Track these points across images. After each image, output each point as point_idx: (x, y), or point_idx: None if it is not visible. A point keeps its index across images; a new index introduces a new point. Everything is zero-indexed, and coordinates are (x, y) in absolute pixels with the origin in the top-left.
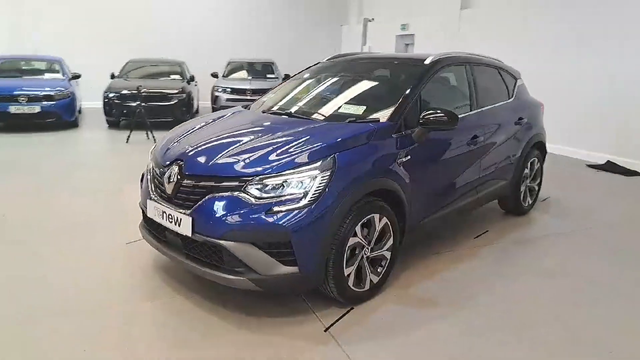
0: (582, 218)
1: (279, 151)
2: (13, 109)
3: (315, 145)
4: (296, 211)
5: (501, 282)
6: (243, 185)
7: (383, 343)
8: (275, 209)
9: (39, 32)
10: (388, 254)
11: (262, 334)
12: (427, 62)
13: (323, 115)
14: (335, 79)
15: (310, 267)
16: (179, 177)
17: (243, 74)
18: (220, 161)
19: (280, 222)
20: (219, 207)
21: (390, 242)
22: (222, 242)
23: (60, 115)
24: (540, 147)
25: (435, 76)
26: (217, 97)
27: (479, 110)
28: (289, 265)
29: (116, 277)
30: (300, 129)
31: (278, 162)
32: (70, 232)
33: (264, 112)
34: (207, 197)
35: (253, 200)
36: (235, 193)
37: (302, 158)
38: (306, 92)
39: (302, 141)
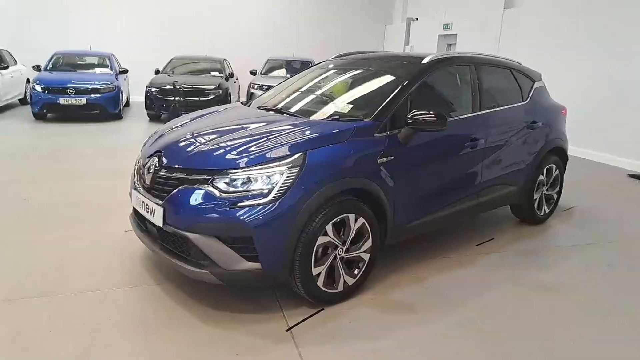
0: (605, 230)
1: (250, 146)
2: (62, 100)
3: (287, 141)
4: (259, 207)
5: (489, 292)
6: (211, 179)
7: (342, 347)
8: (240, 203)
9: (96, 28)
10: (366, 256)
11: (223, 329)
12: (424, 61)
13: (311, 112)
14: (333, 77)
15: (273, 264)
16: (156, 167)
17: (281, 72)
18: (193, 154)
19: (242, 217)
20: (187, 199)
21: (369, 243)
22: (187, 234)
23: (105, 107)
24: (559, 153)
25: (432, 76)
26: (252, 93)
27: (482, 112)
28: (252, 261)
29: (103, 263)
30: (280, 125)
31: (246, 157)
32: (80, 218)
33: (258, 107)
34: (177, 188)
35: (219, 194)
36: (203, 186)
37: (270, 154)
38: (303, 89)
39: (276, 137)
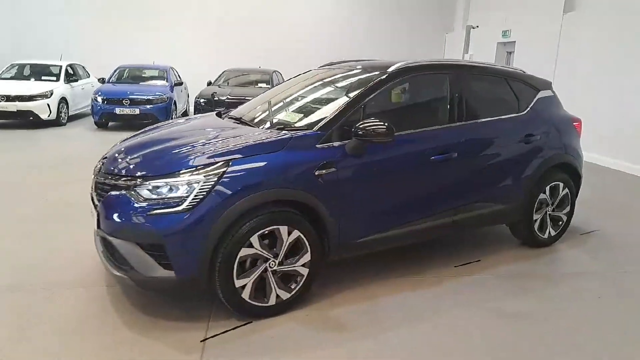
0: (624, 258)
1: (174, 155)
2: (118, 110)
3: (211, 150)
4: (173, 215)
5: (438, 317)
6: (133, 185)
7: None
8: (156, 211)
9: (163, 43)
10: (304, 270)
11: (142, 334)
12: (389, 70)
13: (265, 122)
14: (303, 87)
15: (187, 273)
16: (96, 173)
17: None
18: (126, 160)
19: (155, 225)
20: (113, 204)
21: (307, 257)
22: (111, 238)
23: (156, 116)
24: (567, 170)
25: (396, 85)
26: None
27: (456, 124)
28: (167, 269)
29: (70, 261)
30: (220, 134)
31: (167, 165)
32: (74, 218)
33: (229, 117)
34: (108, 194)
35: (140, 200)
36: (127, 192)
37: (189, 162)
38: (275, 99)
39: (204, 146)
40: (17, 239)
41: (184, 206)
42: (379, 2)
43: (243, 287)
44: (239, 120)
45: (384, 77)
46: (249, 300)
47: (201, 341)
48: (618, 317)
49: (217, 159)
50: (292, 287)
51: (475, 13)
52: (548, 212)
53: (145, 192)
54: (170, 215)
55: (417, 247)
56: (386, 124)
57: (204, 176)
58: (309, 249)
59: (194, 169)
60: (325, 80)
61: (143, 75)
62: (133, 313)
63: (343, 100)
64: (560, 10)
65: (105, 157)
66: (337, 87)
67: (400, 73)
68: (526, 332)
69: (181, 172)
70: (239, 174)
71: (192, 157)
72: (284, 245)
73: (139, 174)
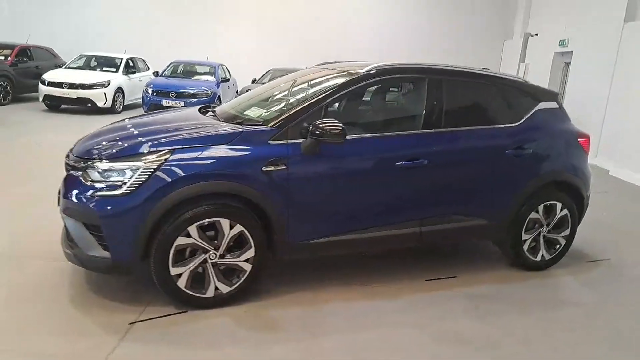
0: (626, 293)
1: (126, 141)
2: (165, 102)
3: (157, 139)
4: (111, 198)
5: (385, 330)
6: (85, 167)
7: (162, 352)
8: (98, 193)
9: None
10: (247, 266)
11: (80, 310)
12: (360, 72)
13: (233, 117)
14: (285, 85)
15: (122, 256)
16: (67, 154)
17: None
18: (88, 144)
19: (94, 206)
20: (68, 184)
21: (251, 253)
22: (63, 216)
23: None
24: (567, 189)
25: (366, 88)
26: None
27: (432, 130)
28: (105, 250)
29: (44, 236)
30: (181, 125)
31: (115, 150)
32: None
33: (210, 112)
34: (67, 174)
35: (88, 181)
36: (79, 173)
37: (134, 149)
38: (254, 95)
39: (156, 135)
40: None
41: (122, 190)
42: (437, 5)
43: (179, 275)
44: (213, 114)
45: (353, 78)
46: (184, 289)
47: (130, 323)
48: (581, 356)
49: (161, 148)
50: (234, 281)
51: (535, 19)
52: (542, 234)
53: (95, 175)
54: (109, 198)
55: (395, 255)
56: (340, 124)
57: (144, 162)
58: (252, 245)
59: (136, 155)
60: (305, 80)
61: (194, 70)
62: (83, 290)
63: (305, 99)
64: (621, 18)
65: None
66: (310, 86)
67: (371, 75)
68: (465, 358)
69: (124, 157)
70: (179, 163)
71: (138, 145)
72: (225, 238)
73: (90, 156)
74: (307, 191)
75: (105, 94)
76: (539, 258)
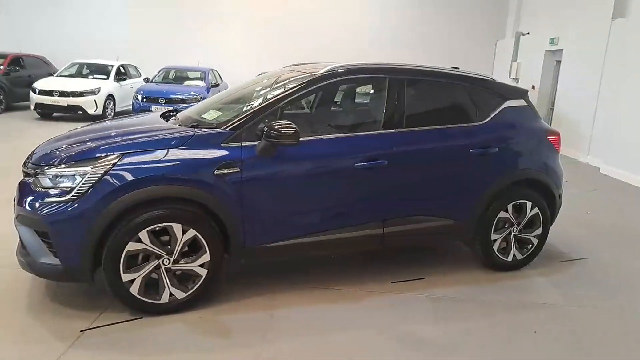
0: (598, 293)
1: (75, 147)
2: (154, 108)
3: (106, 144)
4: (58, 204)
5: (340, 334)
6: (35, 174)
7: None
8: (47, 199)
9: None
10: (202, 271)
11: (34, 317)
12: (315, 73)
13: (191, 120)
14: (250, 88)
15: (71, 262)
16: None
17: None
18: (42, 150)
19: (42, 212)
20: (21, 191)
21: (206, 258)
22: (16, 222)
23: None
24: (537, 188)
25: (322, 89)
26: None
27: (391, 130)
28: (55, 257)
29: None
30: (135, 129)
31: (64, 156)
32: None
33: (173, 116)
34: (21, 180)
35: (38, 187)
36: (30, 180)
37: (81, 155)
38: (216, 99)
39: (107, 140)
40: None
41: (69, 196)
42: (429, 5)
43: (131, 281)
44: (174, 119)
45: (310, 80)
46: (137, 296)
47: (81, 331)
48: (543, 358)
49: (109, 152)
50: (189, 287)
51: (526, 19)
52: (513, 233)
53: (45, 181)
54: (57, 204)
55: (363, 258)
56: (294, 126)
57: (91, 168)
58: (207, 250)
59: (84, 160)
60: (266, 82)
61: (185, 76)
62: (40, 297)
63: (260, 101)
64: (608, 16)
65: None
66: (269, 89)
67: (326, 77)
68: None
69: (73, 163)
70: (128, 167)
71: (88, 150)
72: (178, 243)
73: (41, 163)
74: (263, 194)
75: (95, 101)
76: (510, 258)
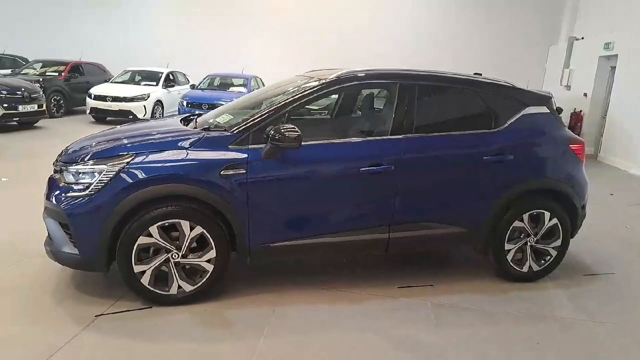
0: (615, 309)
1: (97, 146)
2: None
3: (122, 144)
4: (77, 199)
5: (335, 335)
6: (61, 170)
7: (114, 343)
8: (69, 193)
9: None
10: (209, 266)
11: (56, 302)
12: (324, 80)
13: (206, 123)
14: (266, 93)
15: (88, 253)
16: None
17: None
18: (71, 149)
19: (63, 205)
20: (49, 186)
21: (212, 254)
22: (44, 215)
23: None
24: (557, 197)
25: (330, 94)
26: None
27: (400, 136)
28: (75, 247)
29: None
30: (154, 132)
31: (85, 154)
32: None
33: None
34: (50, 176)
35: (62, 183)
36: (57, 175)
37: (100, 153)
38: (233, 103)
39: (126, 140)
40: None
41: (87, 192)
42: (479, 8)
43: (143, 273)
44: (194, 123)
45: (317, 86)
46: (148, 287)
47: (96, 316)
48: None
49: (124, 152)
50: (197, 280)
51: (580, 22)
52: (529, 244)
53: (69, 177)
54: (76, 199)
55: (376, 261)
56: (297, 130)
57: (107, 166)
58: (213, 247)
59: (103, 159)
60: (280, 88)
61: (229, 82)
62: (66, 284)
63: (270, 105)
64: None
65: None
66: (280, 94)
67: (333, 83)
68: None
69: (90, 160)
70: (139, 166)
71: (106, 149)
72: (186, 239)
73: (69, 160)
74: (268, 195)
75: (144, 106)
76: (525, 269)
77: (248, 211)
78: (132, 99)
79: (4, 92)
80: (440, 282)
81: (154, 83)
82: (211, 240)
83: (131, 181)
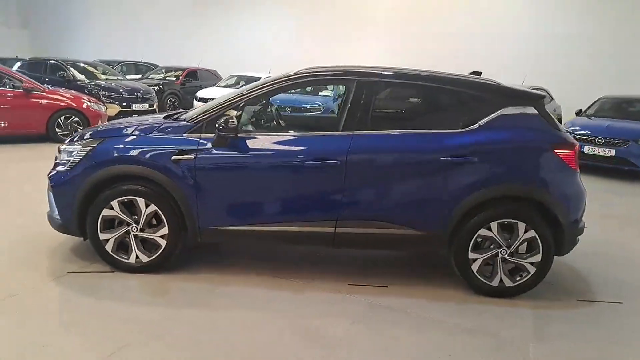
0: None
1: (87, 130)
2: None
3: (101, 130)
4: (59, 173)
5: (248, 317)
6: (60, 150)
7: (69, 296)
8: (57, 167)
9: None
10: (162, 242)
11: (41, 262)
12: (281, 75)
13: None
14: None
15: (64, 218)
16: None
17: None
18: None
19: (50, 177)
20: (54, 164)
21: (165, 231)
22: (48, 187)
23: None
24: (535, 207)
25: (285, 90)
26: None
27: (350, 132)
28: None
29: None
30: (133, 122)
31: (75, 136)
32: None
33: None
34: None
35: (56, 160)
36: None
37: (82, 136)
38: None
39: (106, 128)
40: None
41: (66, 167)
42: (606, 14)
43: (107, 240)
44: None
45: (273, 81)
46: (111, 253)
47: (68, 272)
48: None
49: (96, 136)
50: (152, 253)
51: None
52: (501, 255)
53: (62, 155)
54: (59, 173)
55: (348, 257)
56: (235, 121)
57: (81, 146)
58: (166, 224)
59: (80, 140)
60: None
61: (322, 87)
62: (59, 246)
63: (228, 98)
64: None
65: None
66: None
67: (291, 78)
68: (304, 350)
69: (74, 141)
70: (106, 149)
71: (89, 134)
72: (142, 215)
73: (66, 140)
74: (214, 181)
75: None
76: (495, 283)
77: (196, 194)
78: None
79: (125, 93)
80: (398, 285)
81: None
82: (164, 218)
83: (96, 161)
